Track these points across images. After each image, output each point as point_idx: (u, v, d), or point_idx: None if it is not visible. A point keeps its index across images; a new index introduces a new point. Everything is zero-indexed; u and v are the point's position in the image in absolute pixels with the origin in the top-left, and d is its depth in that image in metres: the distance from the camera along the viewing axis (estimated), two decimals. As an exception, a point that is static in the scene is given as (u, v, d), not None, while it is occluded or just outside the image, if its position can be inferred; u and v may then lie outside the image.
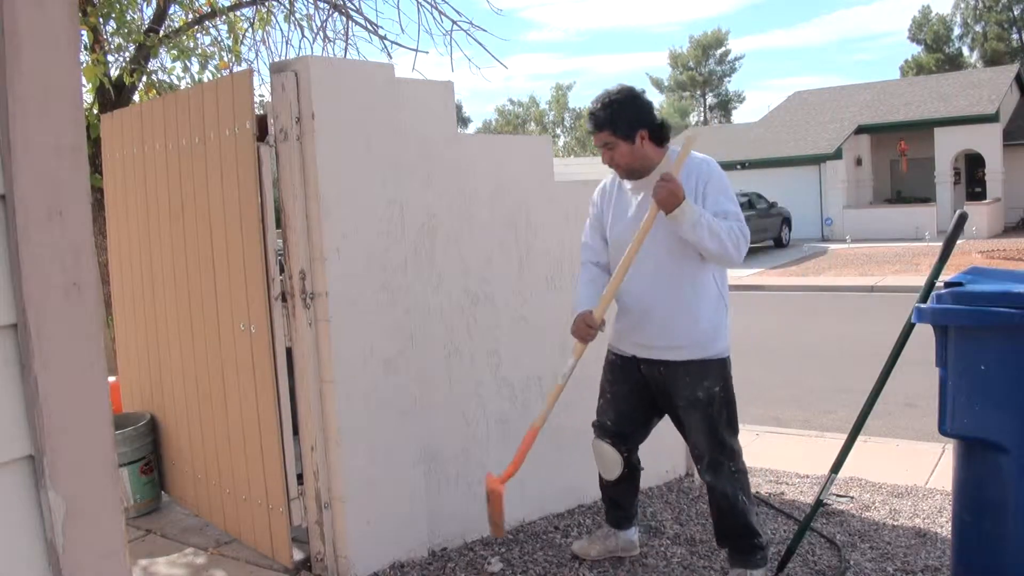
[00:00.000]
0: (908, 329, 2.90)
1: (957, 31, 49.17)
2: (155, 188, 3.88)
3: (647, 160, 2.96)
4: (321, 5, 6.13)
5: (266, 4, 6.42)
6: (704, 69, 55.31)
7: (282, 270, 3.27)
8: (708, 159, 2.99)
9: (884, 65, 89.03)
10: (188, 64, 6.12)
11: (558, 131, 54.35)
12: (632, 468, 3.31)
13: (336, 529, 3.23)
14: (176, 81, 6.35)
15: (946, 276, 2.85)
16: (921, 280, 3.11)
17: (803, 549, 3.45)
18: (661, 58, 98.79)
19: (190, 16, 6.42)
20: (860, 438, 3.14)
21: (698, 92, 56.23)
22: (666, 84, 56.70)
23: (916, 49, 50.77)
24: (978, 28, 47.96)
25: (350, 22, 6.09)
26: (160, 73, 6.34)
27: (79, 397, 1.27)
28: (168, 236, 3.81)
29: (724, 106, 56.85)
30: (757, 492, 4.31)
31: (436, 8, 5.79)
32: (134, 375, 4.36)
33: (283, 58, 5.51)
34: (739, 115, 57.87)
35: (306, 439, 3.23)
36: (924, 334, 2.82)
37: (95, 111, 5.57)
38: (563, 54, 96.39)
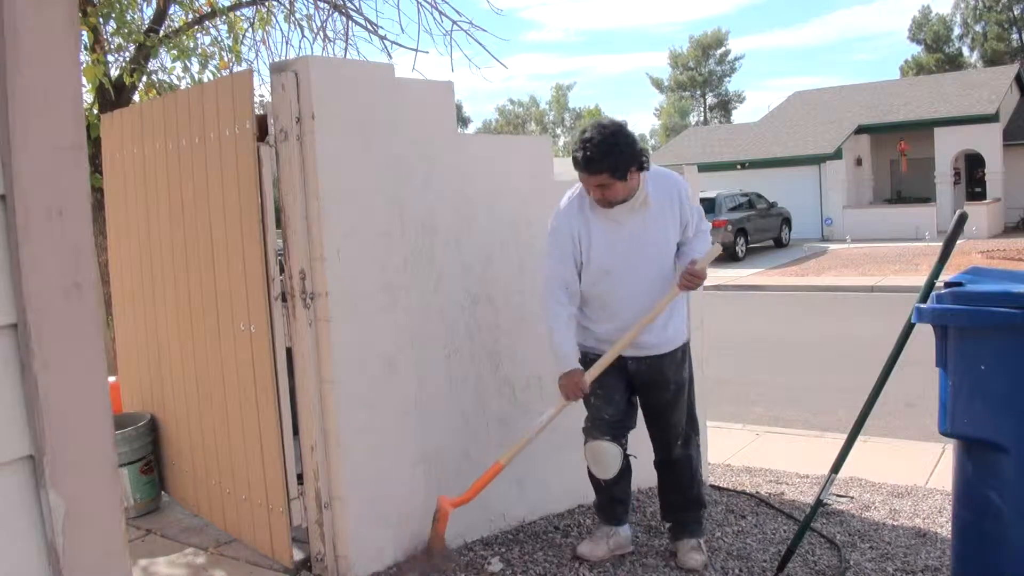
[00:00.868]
0: (908, 329, 2.90)
1: (957, 31, 49.22)
2: (155, 188, 3.88)
3: (634, 190, 3.13)
4: (321, 5, 6.13)
5: (266, 4, 6.42)
6: (704, 69, 55.34)
7: (282, 270, 3.27)
8: (674, 175, 3.30)
9: (884, 65, 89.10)
10: (188, 64, 6.11)
11: (558, 131, 54.40)
12: (627, 459, 3.38)
13: (336, 529, 3.23)
14: (176, 81, 6.35)
15: (946, 276, 2.85)
16: (921, 280, 3.11)
17: (803, 549, 3.45)
18: (661, 58, 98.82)
19: (190, 16, 6.41)
20: (860, 438, 3.14)
21: (698, 92, 56.25)
22: (666, 84, 56.73)
23: (916, 49, 50.82)
24: (978, 28, 47.97)
25: (350, 22, 6.09)
26: (160, 73, 6.34)
27: (79, 397, 1.27)
28: (168, 236, 3.81)
29: (724, 106, 56.87)
30: (757, 492, 4.31)
31: (436, 8, 5.78)
32: (134, 375, 4.36)
33: (283, 58, 5.51)
34: (739, 115, 57.91)
35: (306, 439, 3.23)
36: (924, 334, 2.82)
37: (95, 111, 5.56)
38: (563, 54, 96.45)
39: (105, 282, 4.80)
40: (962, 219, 2.96)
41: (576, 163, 3.05)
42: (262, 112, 3.31)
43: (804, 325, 11.23)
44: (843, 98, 27.77)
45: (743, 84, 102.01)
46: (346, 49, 6.15)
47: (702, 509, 3.48)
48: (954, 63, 46.31)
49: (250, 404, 3.37)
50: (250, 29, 6.53)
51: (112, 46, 5.99)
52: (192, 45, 6.29)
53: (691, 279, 3.12)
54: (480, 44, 6.83)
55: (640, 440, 3.49)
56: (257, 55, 9.08)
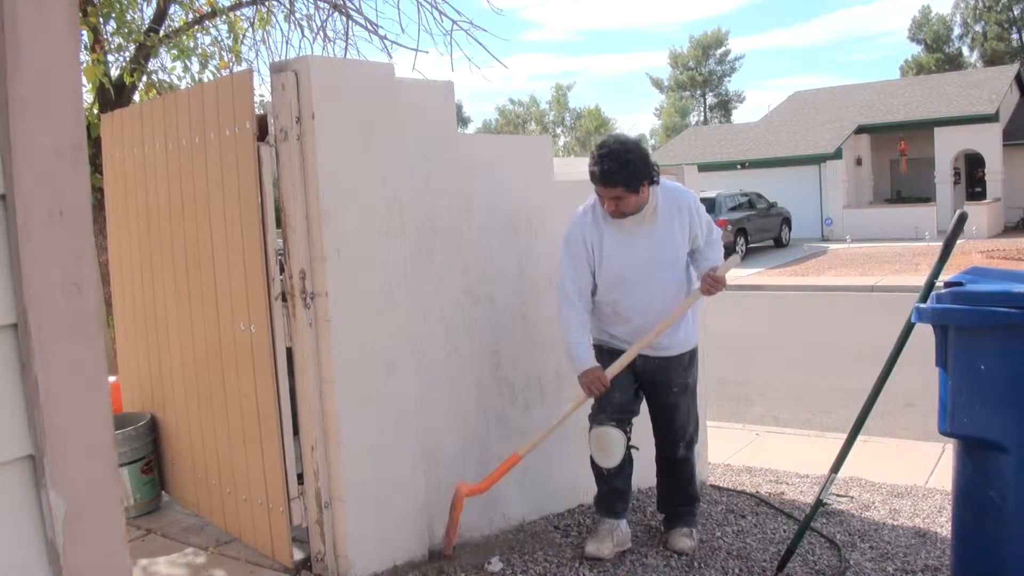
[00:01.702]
0: (908, 329, 2.90)
1: (957, 31, 49.21)
2: (155, 188, 3.88)
3: (645, 202, 3.29)
4: (321, 5, 6.13)
5: (266, 4, 6.42)
6: (704, 69, 55.34)
7: (282, 270, 3.27)
8: (683, 188, 3.50)
9: (884, 65, 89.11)
10: (188, 64, 6.11)
11: (558, 131, 54.41)
12: (630, 451, 3.45)
13: (336, 529, 3.23)
14: (176, 81, 6.35)
15: (946, 276, 2.85)
16: (921, 280, 3.12)
17: (803, 549, 3.45)
18: (661, 58, 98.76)
19: (190, 16, 6.41)
20: (860, 438, 3.15)
21: (698, 92, 56.24)
22: (666, 84, 56.72)
23: (916, 49, 50.82)
24: (978, 28, 47.97)
25: (350, 22, 6.09)
26: (160, 73, 6.35)
27: (79, 397, 1.27)
28: (168, 236, 3.81)
29: (724, 106, 56.86)
30: (757, 492, 4.31)
31: (436, 8, 5.78)
32: (134, 375, 4.36)
33: (283, 58, 5.51)
34: (739, 115, 57.91)
35: (306, 439, 3.23)
36: (924, 334, 2.82)
37: (95, 111, 5.57)
38: (563, 54, 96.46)
39: (105, 282, 4.80)
40: (962, 219, 2.96)
41: (593, 176, 3.24)
42: (262, 112, 3.31)
43: (804, 325, 11.23)
44: (843, 98, 27.77)
45: (743, 84, 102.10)
46: (346, 49, 6.16)
47: (696, 504, 3.67)
48: (954, 63, 46.31)
49: (250, 404, 3.37)
50: (250, 29, 6.53)
51: (112, 46, 5.99)
52: (192, 45, 6.29)
53: (714, 284, 3.30)
54: (480, 44, 6.82)
55: (639, 439, 3.50)
56: (257, 55, 9.08)
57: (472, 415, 3.65)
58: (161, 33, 6.02)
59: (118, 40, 5.99)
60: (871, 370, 3.24)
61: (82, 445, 1.27)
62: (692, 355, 3.51)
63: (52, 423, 1.23)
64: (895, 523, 3.80)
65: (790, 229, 22.93)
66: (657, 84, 57.57)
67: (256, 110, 3.24)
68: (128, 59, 5.91)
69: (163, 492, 4.23)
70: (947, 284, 2.73)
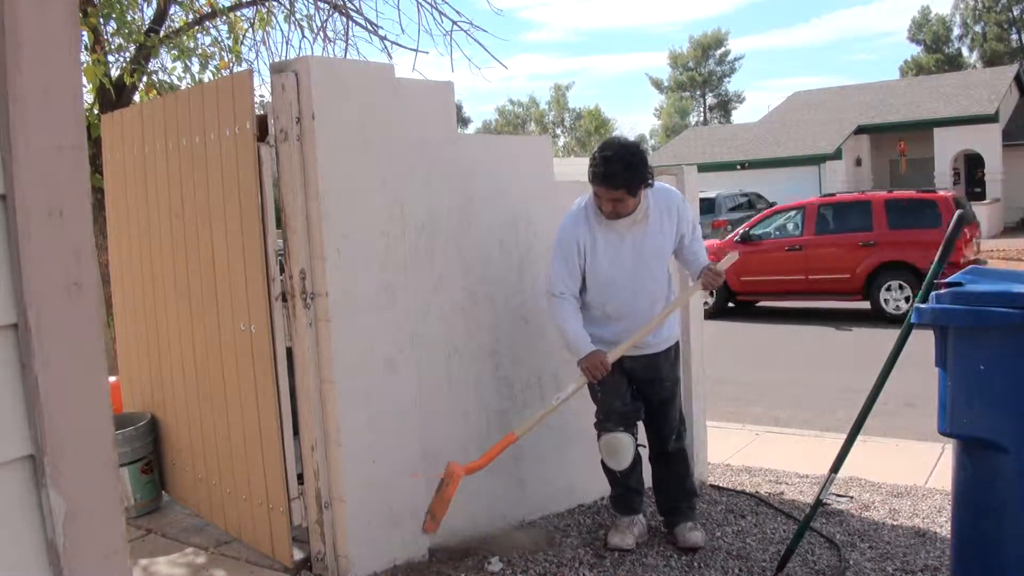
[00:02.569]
0: (908, 329, 2.90)
1: (956, 31, 49.23)
2: (155, 188, 3.88)
3: (638, 204, 3.35)
4: (321, 5, 6.13)
5: (266, 4, 6.43)
6: (704, 69, 55.32)
7: (282, 270, 3.27)
8: (671, 189, 3.57)
9: (883, 65, 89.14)
10: (188, 64, 6.11)
11: (558, 131, 54.40)
12: (638, 450, 3.50)
13: (336, 529, 3.23)
14: (176, 81, 6.35)
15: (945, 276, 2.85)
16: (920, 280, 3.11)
17: (803, 549, 3.45)
18: (661, 58, 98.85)
19: (190, 16, 6.42)
20: (860, 438, 3.15)
21: (698, 92, 56.24)
22: (666, 84, 56.72)
23: (915, 49, 50.83)
24: (977, 28, 47.98)
25: (350, 22, 6.09)
26: (160, 73, 6.34)
27: (79, 397, 1.27)
28: (168, 236, 3.82)
29: (724, 106, 56.86)
30: (757, 492, 4.31)
31: (436, 8, 5.79)
32: (134, 375, 4.37)
33: (283, 58, 5.51)
34: (739, 115, 57.84)
35: (306, 439, 3.24)
36: (924, 334, 2.82)
37: (95, 111, 5.57)
38: (562, 54, 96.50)
39: (105, 282, 4.80)
40: (961, 219, 2.96)
41: (596, 178, 3.26)
42: (262, 112, 3.31)
43: (803, 325, 11.23)
44: (843, 98, 27.77)
45: (743, 84, 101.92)
46: (346, 49, 6.16)
47: (695, 497, 3.72)
48: (953, 63, 46.30)
49: (250, 404, 3.37)
50: (250, 29, 6.53)
51: (112, 46, 5.99)
52: (192, 45, 6.29)
53: (715, 278, 3.42)
54: (480, 44, 6.82)
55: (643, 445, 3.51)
56: (257, 55, 9.07)
57: (472, 415, 3.65)
58: (161, 33, 6.03)
59: (118, 40, 5.99)
60: (871, 370, 3.24)
61: (82, 445, 1.27)
62: (677, 348, 3.65)
63: (52, 423, 1.23)
64: (895, 523, 3.80)
65: (790, 229, 22.90)
66: (657, 84, 57.59)
67: (256, 110, 3.24)
68: (128, 59, 5.91)
69: (163, 492, 4.23)
70: (947, 284, 2.73)
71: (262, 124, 3.21)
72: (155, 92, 6.03)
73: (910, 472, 4.56)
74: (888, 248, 10.75)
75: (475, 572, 3.31)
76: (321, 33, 6.05)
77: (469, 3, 6.03)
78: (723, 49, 55.01)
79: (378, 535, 3.27)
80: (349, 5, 6.05)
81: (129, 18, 5.87)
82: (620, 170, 3.19)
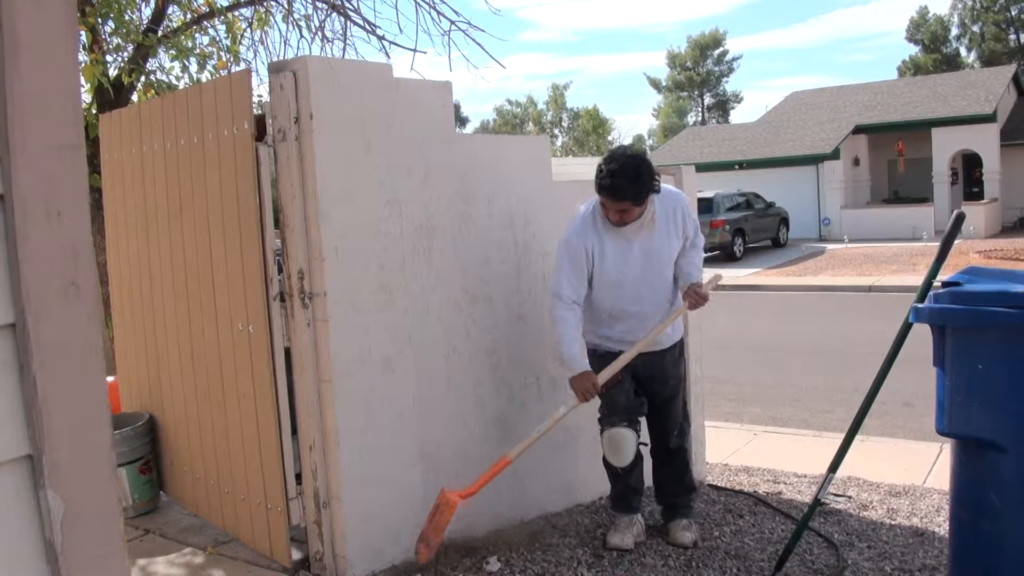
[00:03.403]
0: (906, 329, 2.90)
1: (954, 31, 49.23)
2: (153, 188, 3.88)
3: (644, 210, 3.38)
4: (319, 5, 6.12)
5: (264, 4, 6.42)
6: (702, 69, 55.32)
7: (280, 270, 3.27)
8: (676, 191, 3.60)
9: (881, 65, 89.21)
10: (186, 64, 6.11)
11: (556, 131, 54.35)
12: (639, 447, 3.53)
13: (334, 529, 3.23)
14: (175, 81, 6.35)
15: (944, 276, 2.85)
16: (919, 280, 3.12)
17: (801, 548, 3.45)
18: (659, 58, 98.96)
19: (188, 16, 6.41)
20: (858, 437, 3.15)
21: (696, 92, 56.25)
22: (663, 84, 56.73)
23: (913, 49, 50.83)
24: (975, 28, 48.00)
25: (348, 22, 6.09)
26: (159, 73, 6.34)
27: (78, 397, 1.27)
28: (166, 236, 3.81)
29: (722, 106, 56.88)
30: (755, 491, 4.31)
31: (434, 8, 5.78)
32: (133, 375, 4.36)
33: (281, 58, 5.51)
34: (737, 115, 57.87)
35: (304, 439, 3.23)
36: (922, 334, 2.82)
37: (94, 111, 5.56)
38: (560, 54, 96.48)
39: (104, 282, 4.80)
40: (959, 219, 2.96)
41: (602, 190, 3.29)
42: (260, 112, 3.31)
43: (802, 325, 11.24)
44: (841, 98, 27.78)
45: (741, 84, 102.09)
46: (344, 49, 6.16)
47: (693, 493, 3.77)
48: (952, 63, 46.32)
49: (248, 404, 3.37)
50: (248, 29, 6.53)
51: (111, 46, 5.99)
52: (190, 45, 6.29)
53: (699, 300, 3.47)
54: (478, 44, 6.84)
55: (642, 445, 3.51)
56: (255, 55, 9.10)
57: (470, 415, 3.65)
58: (159, 33, 6.02)
59: (116, 40, 5.98)
60: (869, 370, 3.25)
61: (80, 445, 1.27)
62: (680, 347, 3.71)
63: (51, 423, 1.23)
64: (893, 522, 3.81)
65: (788, 229, 22.93)
66: (655, 84, 57.59)
67: (254, 110, 3.24)
68: (126, 59, 5.91)
69: (161, 492, 4.23)
70: (945, 284, 2.73)
71: (260, 124, 3.21)
72: (153, 92, 6.02)
73: (908, 472, 4.56)
74: None
75: (473, 572, 3.32)
76: (319, 33, 6.05)
77: (467, 3, 6.03)
78: (721, 49, 55.03)
79: (376, 535, 3.27)
80: (347, 5, 6.05)
81: (127, 18, 5.87)
82: (627, 183, 3.23)
